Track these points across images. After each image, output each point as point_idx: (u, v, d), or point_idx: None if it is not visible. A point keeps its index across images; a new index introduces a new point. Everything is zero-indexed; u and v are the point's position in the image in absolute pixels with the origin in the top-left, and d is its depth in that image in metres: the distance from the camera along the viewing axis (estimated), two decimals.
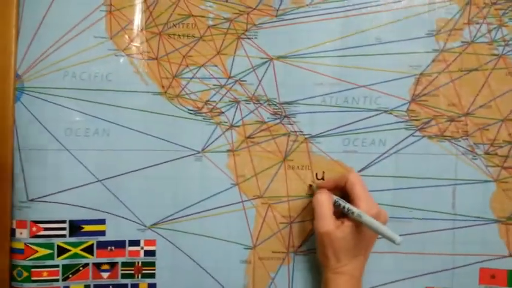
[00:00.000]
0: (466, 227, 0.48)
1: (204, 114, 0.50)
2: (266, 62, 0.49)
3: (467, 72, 0.48)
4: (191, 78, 0.50)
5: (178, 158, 0.50)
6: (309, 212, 0.49)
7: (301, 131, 0.50)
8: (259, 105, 0.50)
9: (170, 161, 0.50)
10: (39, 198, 0.48)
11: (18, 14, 0.48)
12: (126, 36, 0.49)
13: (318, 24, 0.49)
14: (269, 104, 0.50)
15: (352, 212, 0.43)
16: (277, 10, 0.49)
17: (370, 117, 0.49)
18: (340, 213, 0.45)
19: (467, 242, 0.48)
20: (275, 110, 0.50)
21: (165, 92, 0.50)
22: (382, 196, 0.48)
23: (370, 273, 0.47)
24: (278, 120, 0.50)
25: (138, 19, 0.49)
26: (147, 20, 0.50)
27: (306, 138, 0.50)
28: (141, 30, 0.50)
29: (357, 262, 0.44)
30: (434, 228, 0.48)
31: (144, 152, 0.49)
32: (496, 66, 0.47)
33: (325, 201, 0.44)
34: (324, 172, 0.50)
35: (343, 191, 0.46)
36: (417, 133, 0.49)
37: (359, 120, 0.49)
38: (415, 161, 0.48)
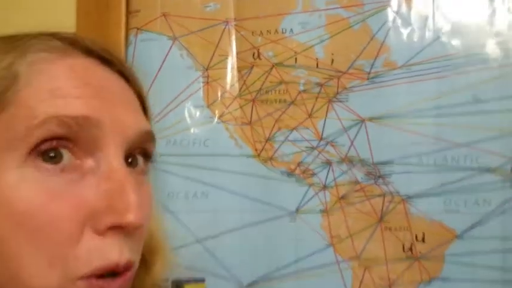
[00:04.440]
0: None
1: (296, 175, 0.51)
2: (358, 123, 0.50)
3: None
4: (283, 141, 0.52)
5: (273, 219, 0.51)
6: (410, 274, 0.48)
7: (397, 192, 0.49)
8: (352, 166, 0.50)
9: (265, 221, 0.51)
10: None
11: None
12: (222, 104, 0.53)
13: (412, 86, 0.49)
14: (362, 165, 0.50)
15: None
16: (369, 73, 0.50)
17: (472, 176, 0.47)
18: None
19: None
20: (369, 171, 0.50)
21: (259, 155, 0.52)
22: (490, 259, 0.46)
23: None
24: (372, 181, 0.50)
25: (233, 88, 0.53)
26: (241, 88, 0.53)
27: (403, 199, 0.49)
28: (236, 98, 0.53)
29: None
30: None
31: (240, 213, 0.51)
32: None
33: None
34: (424, 233, 0.48)
35: None
36: None
37: (459, 180, 0.48)
38: None
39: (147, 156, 0.33)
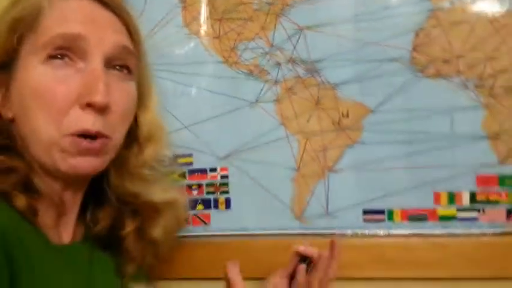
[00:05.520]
0: (463, 144, 0.61)
1: (255, 75, 0.68)
2: (298, 31, 0.66)
3: (456, 24, 0.60)
4: (244, 49, 0.68)
5: (240, 108, 0.68)
6: (338, 141, 0.65)
7: (328, 82, 0.66)
8: (295, 64, 0.67)
9: (234, 110, 0.68)
10: None
11: None
12: (197, 24, 0.69)
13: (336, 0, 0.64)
14: (302, 63, 0.67)
15: None
16: None
17: (381, 66, 0.64)
18: None
19: (466, 155, 0.61)
20: (307, 67, 0.66)
21: (226, 61, 0.69)
22: (397, 126, 0.63)
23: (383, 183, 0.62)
24: (310, 75, 0.66)
25: (204, 11, 0.69)
26: (210, 11, 0.69)
27: (332, 87, 0.66)
28: (207, 18, 0.69)
29: None
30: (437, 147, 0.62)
31: (214, 105, 0.69)
32: (478, 17, 0.60)
33: None
34: (348, 110, 0.65)
35: None
36: (419, 74, 0.63)
37: (373, 69, 0.64)
38: (419, 97, 0.62)
39: (129, 64, 0.51)
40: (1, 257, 0.38)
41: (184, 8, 0.69)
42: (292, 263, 0.57)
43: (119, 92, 0.49)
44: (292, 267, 0.57)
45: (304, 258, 0.56)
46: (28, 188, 0.45)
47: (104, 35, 0.48)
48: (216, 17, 0.69)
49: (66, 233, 0.51)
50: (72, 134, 0.46)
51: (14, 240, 0.40)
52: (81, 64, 0.47)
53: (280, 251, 0.62)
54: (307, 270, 0.55)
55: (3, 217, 0.42)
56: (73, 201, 0.52)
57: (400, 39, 0.63)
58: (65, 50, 0.47)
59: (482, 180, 0.60)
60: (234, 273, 0.56)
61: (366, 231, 0.63)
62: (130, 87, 0.52)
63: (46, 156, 0.46)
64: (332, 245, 0.55)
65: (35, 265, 0.42)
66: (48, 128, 0.46)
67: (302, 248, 0.56)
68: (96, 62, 0.47)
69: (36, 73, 0.46)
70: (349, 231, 0.64)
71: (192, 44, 0.69)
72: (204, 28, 0.69)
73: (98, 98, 0.46)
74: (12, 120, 0.48)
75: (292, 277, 0.57)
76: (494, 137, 0.59)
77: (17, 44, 0.47)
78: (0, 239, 0.39)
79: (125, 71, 0.51)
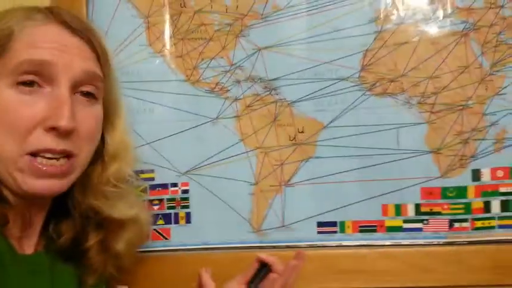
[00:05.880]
0: (408, 158, 0.65)
1: (216, 92, 0.71)
2: (256, 51, 0.70)
3: (400, 45, 0.65)
4: (206, 68, 0.71)
5: (201, 124, 0.71)
6: (294, 156, 0.68)
7: (285, 99, 0.69)
8: (254, 82, 0.70)
9: (195, 126, 0.71)
10: None
11: None
12: (160, 43, 0.72)
13: (291, 22, 0.68)
14: (261, 81, 0.70)
15: None
16: (262, 14, 0.69)
17: (333, 84, 0.67)
18: None
19: (411, 168, 0.65)
20: (265, 85, 0.70)
21: (189, 79, 0.71)
22: (346, 141, 0.67)
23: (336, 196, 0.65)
24: (268, 92, 0.70)
25: (167, 30, 0.72)
26: (173, 30, 0.72)
27: (288, 104, 0.69)
28: (170, 37, 0.72)
29: None
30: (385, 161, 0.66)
31: (177, 122, 0.71)
32: (420, 39, 0.64)
33: None
34: (303, 127, 0.69)
35: None
36: (367, 92, 0.66)
37: (325, 87, 0.68)
38: (367, 113, 0.66)
39: (95, 91, 0.52)
40: None
41: (148, 27, 0.72)
42: (251, 269, 0.59)
43: (85, 116, 0.50)
44: (250, 273, 0.59)
45: (263, 266, 0.59)
46: None
47: (71, 61, 0.49)
48: (179, 36, 0.72)
49: (30, 243, 0.52)
50: (31, 153, 0.47)
51: None
52: (48, 89, 0.49)
53: (240, 264, 0.63)
54: (263, 277, 0.58)
55: None
56: (38, 214, 0.53)
57: (349, 59, 0.67)
58: (33, 75, 0.48)
59: (426, 193, 0.63)
60: (207, 277, 0.60)
61: (320, 243, 0.66)
62: (96, 110, 0.53)
63: (7, 175, 0.47)
64: (299, 255, 0.58)
65: (5, 274, 0.43)
66: (9, 147, 0.47)
67: (263, 256, 0.59)
68: (62, 87, 0.49)
69: (2, 96, 0.48)
70: (304, 243, 0.66)
71: (155, 63, 0.72)
72: (167, 47, 0.72)
73: (63, 123, 0.47)
74: None
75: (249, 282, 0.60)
76: (436, 152, 0.63)
77: None
78: None
79: (90, 97, 0.52)
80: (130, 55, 0.72)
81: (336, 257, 0.64)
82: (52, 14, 0.51)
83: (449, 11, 0.64)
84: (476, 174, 0.63)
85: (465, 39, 0.64)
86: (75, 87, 0.50)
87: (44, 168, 0.47)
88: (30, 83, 0.48)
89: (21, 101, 0.47)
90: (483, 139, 0.63)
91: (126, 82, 0.71)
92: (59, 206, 0.55)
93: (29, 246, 0.52)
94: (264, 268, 0.59)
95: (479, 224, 0.63)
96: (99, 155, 0.55)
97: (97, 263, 0.55)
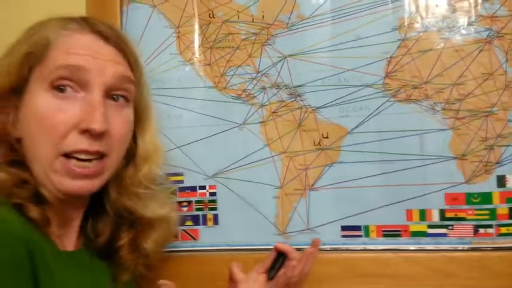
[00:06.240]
0: (432, 164, 0.65)
1: (242, 98, 0.73)
2: (282, 59, 0.72)
3: (424, 53, 0.66)
4: (233, 75, 0.74)
5: (228, 130, 0.74)
6: (319, 160, 0.70)
7: (309, 105, 0.71)
8: (279, 89, 0.72)
9: (223, 131, 0.74)
10: None
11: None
12: (190, 52, 0.75)
13: (316, 31, 0.70)
14: (286, 88, 0.72)
15: None
16: (287, 24, 0.71)
17: (357, 91, 0.69)
18: None
19: (435, 174, 0.65)
20: (290, 92, 0.72)
21: (216, 86, 0.74)
22: (370, 146, 0.68)
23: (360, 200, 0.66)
24: (293, 99, 0.72)
25: (196, 40, 0.75)
26: (202, 39, 0.75)
27: (313, 110, 0.71)
28: (199, 46, 0.75)
29: None
30: (408, 166, 0.66)
31: (205, 127, 0.74)
32: (444, 46, 0.65)
33: None
34: (327, 132, 0.70)
35: None
36: (391, 99, 0.67)
37: (349, 94, 0.69)
38: (391, 119, 0.67)
39: (127, 94, 0.55)
40: (27, 261, 0.43)
41: (178, 37, 0.75)
42: (270, 258, 0.62)
43: (116, 120, 0.53)
44: (269, 261, 0.62)
45: (280, 254, 0.64)
46: (39, 200, 0.50)
47: (104, 67, 0.52)
48: (207, 45, 0.75)
49: (69, 241, 0.56)
50: (65, 154, 0.50)
51: (34, 246, 0.45)
52: (81, 94, 0.52)
53: None
54: (281, 265, 0.64)
55: (24, 225, 0.46)
56: (76, 212, 0.56)
57: (373, 66, 0.68)
58: (68, 80, 0.51)
59: (451, 198, 0.64)
60: (237, 270, 0.65)
61: (344, 246, 0.67)
62: (127, 114, 0.56)
63: (44, 176, 0.51)
64: (315, 243, 0.63)
65: (51, 269, 0.47)
66: (46, 150, 0.50)
67: (280, 244, 0.65)
68: (95, 92, 0.51)
69: (40, 100, 0.51)
70: (327, 246, 0.68)
71: (185, 70, 0.75)
72: (196, 56, 0.75)
73: (96, 125, 0.50)
74: (19, 140, 0.53)
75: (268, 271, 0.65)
76: (460, 158, 0.64)
77: (27, 73, 0.52)
78: (25, 244, 0.44)
79: (122, 100, 0.55)
80: (161, 63, 0.75)
81: (359, 260, 0.65)
82: (86, 23, 0.54)
83: (472, 19, 0.64)
84: (501, 181, 0.64)
85: (489, 47, 0.64)
86: (108, 92, 0.53)
87: (78, 170, 0.50)
88: (64, 87, 0.51)
89: (57, 106, 0.50)
90: (508, 145, 0.63)
91: (157, 89, 0.75)
92: (97, 206, 0.58)
93: (69, 244, 0.55)
94: (281, 257, 0.63)
95: (504, 230, 0.63)
96: (131, 157, 0.58)
97: (129, 261, 0.59)
